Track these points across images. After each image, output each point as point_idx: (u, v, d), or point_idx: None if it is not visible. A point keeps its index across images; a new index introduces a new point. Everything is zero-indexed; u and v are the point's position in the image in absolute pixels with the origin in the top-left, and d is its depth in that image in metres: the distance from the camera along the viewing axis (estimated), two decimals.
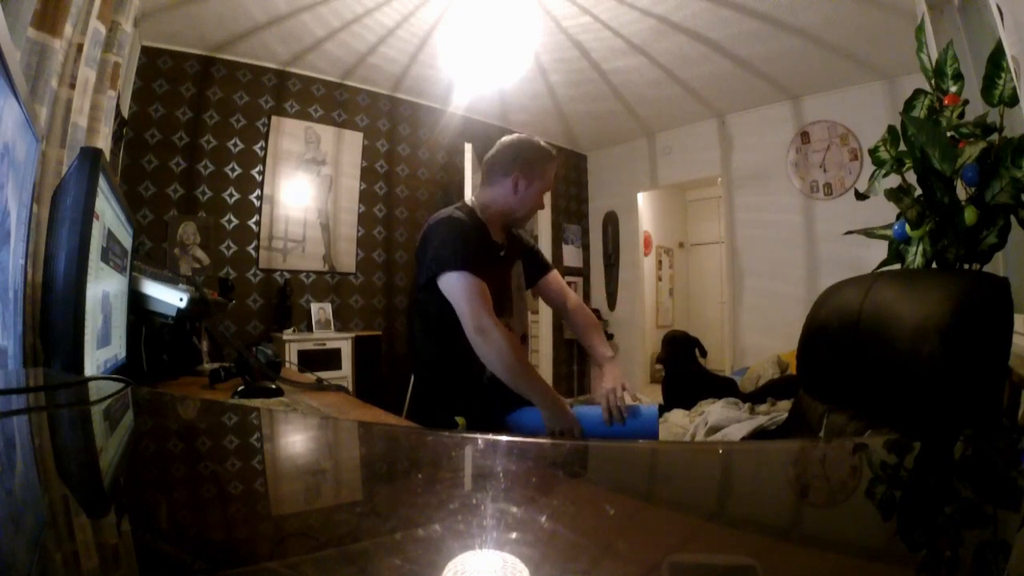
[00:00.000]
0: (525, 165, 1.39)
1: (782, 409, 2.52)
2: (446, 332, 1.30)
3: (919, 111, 1.39)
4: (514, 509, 0.32)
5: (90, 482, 0.38)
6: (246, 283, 3.56)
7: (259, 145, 3.66)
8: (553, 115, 4.78)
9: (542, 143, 1.44)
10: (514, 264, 1.50)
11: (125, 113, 2.95)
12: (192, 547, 0.27)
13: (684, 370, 3.33)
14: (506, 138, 1.45)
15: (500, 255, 1.44)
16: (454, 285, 1.26)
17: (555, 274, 1.62)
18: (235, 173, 3.56)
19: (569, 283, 6.43)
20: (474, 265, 1.27)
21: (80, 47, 1.29)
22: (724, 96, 4.37)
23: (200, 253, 3.40)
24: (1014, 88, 1.17)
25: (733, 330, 4.72)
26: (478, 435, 0.46)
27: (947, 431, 0.67)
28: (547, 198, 1.49)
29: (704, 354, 3.46)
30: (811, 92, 4.22)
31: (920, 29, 1.51)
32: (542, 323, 5.35)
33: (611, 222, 5.70)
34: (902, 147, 1.39)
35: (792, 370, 3.48)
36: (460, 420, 1.34)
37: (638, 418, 1.30)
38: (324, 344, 3.55)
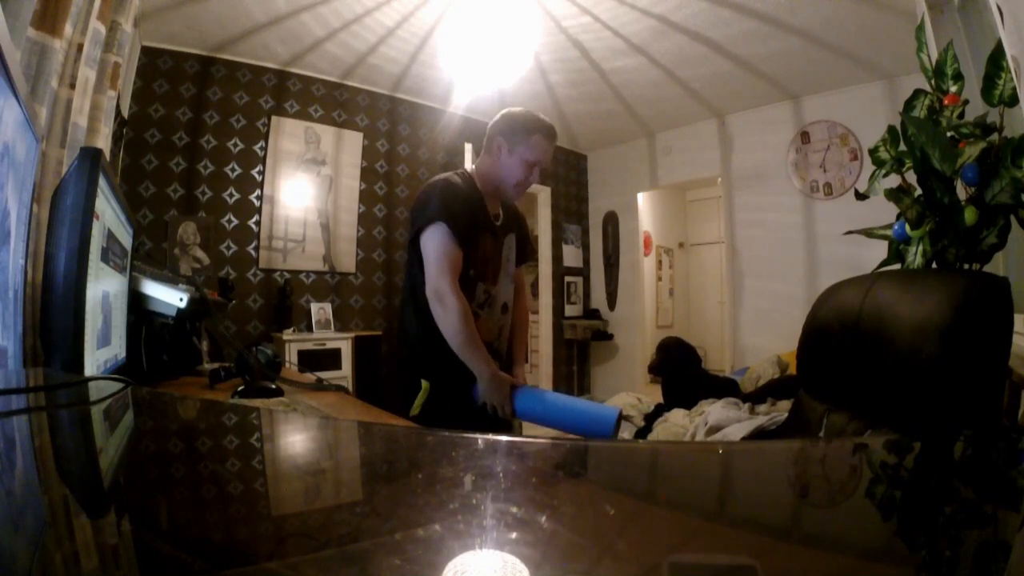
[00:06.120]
0: (508, 131, 1.43)
1: (782, 409, 2.52)
2: (423, 293, 1.34)
3: (919, 111, 1.39)
4: (514, 509, 0.32)
5: (90, 482, 0.38)
6: (246, 283, 3.56)
7: (259, 145, 3.66)
8: (553, 115, 4.77)
9: (533, 114, 1.46)
10: (507, 236, 1.53)
11: (125, 113, 2.95)
12: (192, 547, 0.27)
13: (684, 375, 3.33)
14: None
15: (495, 224, 1.47)
16: (429, 243, 1.32)
17: (522, 270, 1.67)
18: (235, 173, 3.56)
19: (569, 283, 6.36)
20: (456, 220, 1.31)
21: (80, 47, 1.29)
22: (724, 96, 4.37)
23: (200, 253, 3.40)
24: (1014, 88, 1.17)
25: (733, 330, 4.72)
26: (478, 435, 0.46)
27: (947, 431, 0.67)
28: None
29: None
30: (811, 92, 4.22)
31: (920, 29, 1.51)
32: (542, 323, 5.35)
33: (611, 222, 5.70)
34: (902, 147, 1.39)
35: (792, 370, 3.48)
36: (424, 384, 1.37)
37: (593, 417, 1.31)
38: (324, 344, 3.55)
